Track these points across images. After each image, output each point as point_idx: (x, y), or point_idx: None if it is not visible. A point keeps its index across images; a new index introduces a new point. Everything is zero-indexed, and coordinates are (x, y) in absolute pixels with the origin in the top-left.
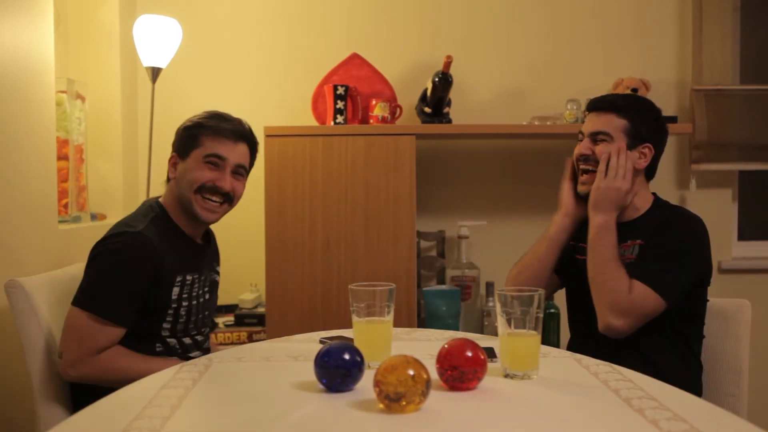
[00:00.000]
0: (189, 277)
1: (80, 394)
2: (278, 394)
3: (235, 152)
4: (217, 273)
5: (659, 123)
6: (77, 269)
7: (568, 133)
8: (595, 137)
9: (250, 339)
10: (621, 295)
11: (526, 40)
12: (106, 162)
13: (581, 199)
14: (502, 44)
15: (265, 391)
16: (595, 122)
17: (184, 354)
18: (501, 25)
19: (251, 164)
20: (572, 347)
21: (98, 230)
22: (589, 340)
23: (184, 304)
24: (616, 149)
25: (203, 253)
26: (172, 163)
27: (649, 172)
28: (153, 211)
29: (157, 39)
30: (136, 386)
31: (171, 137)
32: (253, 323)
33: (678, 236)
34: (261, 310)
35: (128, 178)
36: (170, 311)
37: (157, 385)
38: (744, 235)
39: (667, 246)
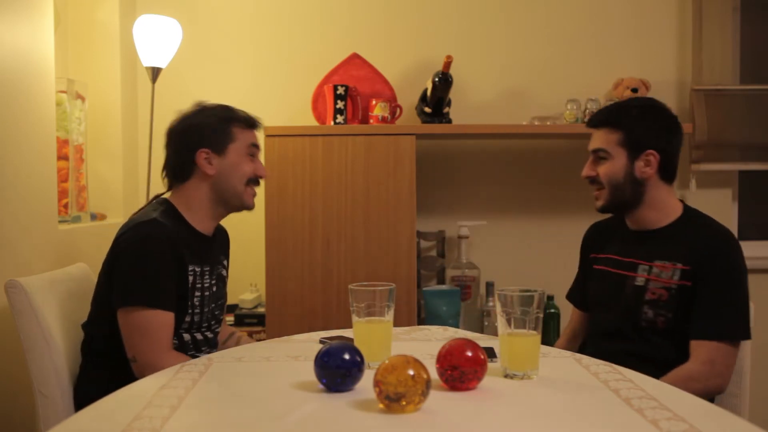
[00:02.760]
0: (198, 269)
1: (81, 394)
2: (278, 394)
3: (260, 139)
4: (225, 267)
5: (661, 124)
6: (77, 269)
7: (568, 133)
8: (597, 155)
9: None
10: (695, 369)
11: (526, 40)
12: (106, 162)
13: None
14: (502, 44)
15: (265, 391)
16: (593, 140)
17: (196, 350)
18: (501, 25)
19: None
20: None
21: (98, 230)
22: (603, 341)
23: (197, 294)
24: None
25: (211, 246)
26: (205, 159)
27: (666, 174)
28: (161, 205)
29: (157, 39)
30: (136, 386)
31: None
32: (253, 323)
33: (731, 268)
34: (261, 310)
35: (128, 178)
36: (189, 302)
37: (157, 385)
38: (744, 235)
39: (727, 287)
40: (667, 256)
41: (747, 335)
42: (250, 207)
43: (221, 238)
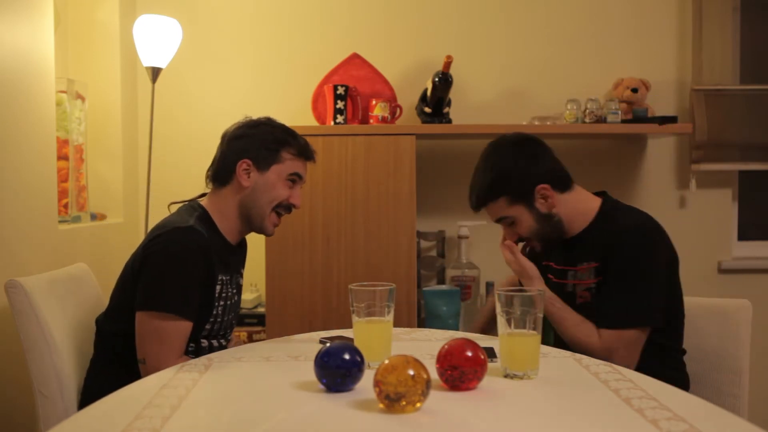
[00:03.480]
0: (224, 278)
1: (89, 389)
2: (278, 394)
3: (307, 173)
4: (241, 276)
5: (522, 160)
6: (77, 269)
7: (568, 133)
8: (502, 222)
9: (250, 339)
10: (594, 347)
11: (526, 40)
12: (106, 162)
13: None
14: (502, 44)
15: (265, 391)
16: (489, 214)
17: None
18: (501, 25)
19: None
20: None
21: (98, 230)
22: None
23: (221, 303)
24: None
25: (236, 255)
26: (244, 170)
27: (562, 186)
28: (195, 210)
29: (157, 39)
30: (136, 386)
31: (171, 137)
32: (253, 323)
33: (633, 257)
34: (261, 310)
35: (128, 178)
36: (214, 312)
37: (157, 385)
38: (744, 235)
39: (627, 273)
40: (584, 258)
41: (650, 322)
42: (268, 233)
43: (243, 247)
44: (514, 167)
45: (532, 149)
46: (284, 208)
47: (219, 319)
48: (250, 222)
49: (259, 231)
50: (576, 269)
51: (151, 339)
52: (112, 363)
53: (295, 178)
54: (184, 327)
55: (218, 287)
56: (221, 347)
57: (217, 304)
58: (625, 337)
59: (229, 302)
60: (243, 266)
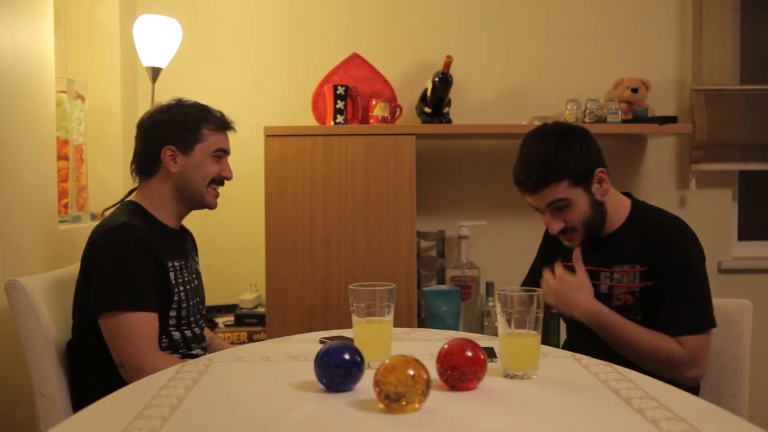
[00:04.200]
0: (177, 263)
1: (80, 394)
2: (278, 394)
3: (229, 142)
4: (197, 263)
5: (580, 143)
6: (77, 269)
7: None
8: (555, 206)
9: (250, 339)
10: (678, 355)
11: (526, 40)
12: (106, 162)
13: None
14: (502, 44)
15: (265, 391)
16: (541, 197)
17: (187, 348)
18: (501, 25)
19: None
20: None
21: None
22: (586, 346)
23: (181, 289)
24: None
25: (182, 241)
26: (170, 156)
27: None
28: (126, 207)
29: (157, 39)
30: (136, 386)
31: None
32: (253, 323)
33: (690, 260)
34: (261, 310)
35: (128, 178)
36: (175, 298)
37: (157, 385)
38: (744, 235)
39: (690, 277)
40: (625, 260)
41: (715, 323)
42: (211, 206)
43: (189, 234)
44: (577, 149)
45: (585, 134)
46: (217, 182)
47: (184, 305)
48: (189, 202)
49: (202, 207)
50: (613, 271)
51: (121, 340)
52: (91, 379)
53: (220, 154)
54: (149, 319)
55: (171, 273)
56: (195, 337)
57: (177, 290)
58: (706, 340)
59: (188, 287)
60: (196, 253)
